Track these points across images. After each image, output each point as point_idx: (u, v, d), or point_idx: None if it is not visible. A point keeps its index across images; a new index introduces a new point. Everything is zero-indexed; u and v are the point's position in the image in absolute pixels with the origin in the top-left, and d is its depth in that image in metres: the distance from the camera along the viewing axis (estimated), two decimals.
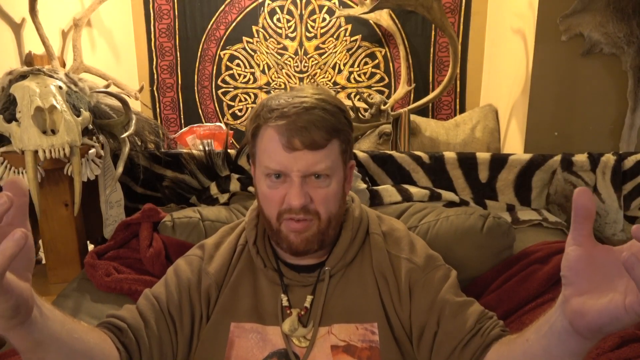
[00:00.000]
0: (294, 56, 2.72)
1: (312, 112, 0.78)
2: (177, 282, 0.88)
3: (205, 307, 0.88)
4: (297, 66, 2.73)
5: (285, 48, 2.71)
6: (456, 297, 0.82)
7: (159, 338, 0.82)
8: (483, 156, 1.41)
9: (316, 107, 0.79)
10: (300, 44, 2.70)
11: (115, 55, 2.47)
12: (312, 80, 2.73)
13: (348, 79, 2.74)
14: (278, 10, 2.65)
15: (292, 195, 0.79)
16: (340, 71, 2.73)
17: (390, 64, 2.71)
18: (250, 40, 2.70)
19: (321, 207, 0.81)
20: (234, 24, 2.68)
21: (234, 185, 1.36)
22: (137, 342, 0.80)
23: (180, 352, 0.85)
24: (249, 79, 2.76)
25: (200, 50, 2.72)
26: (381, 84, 2.74)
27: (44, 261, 1.33)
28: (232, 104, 2.80)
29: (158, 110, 2.80)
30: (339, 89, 2.75)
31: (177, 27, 2.69)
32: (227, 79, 2.77)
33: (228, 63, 2.74)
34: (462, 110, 2.68)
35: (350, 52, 2.70)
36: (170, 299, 0.86)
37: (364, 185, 1.32)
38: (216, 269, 0.90)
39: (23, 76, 1.13)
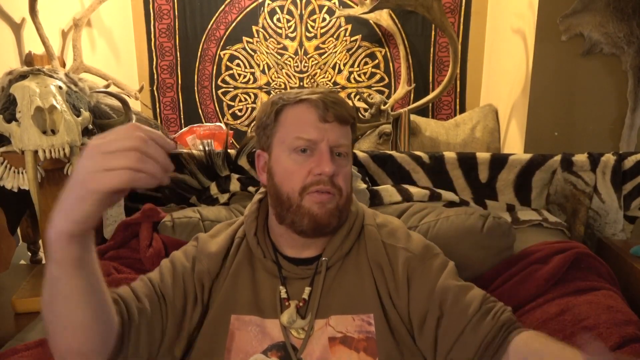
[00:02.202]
0: (294, 56, 2.72)
1: (336, 94, 0.88)
2: (172, 268, 0.89)
3: (200, 292, 0.88)
4: (297, 66, 2.73)
5: (285, 48, 2.71)
6: (457, 282, 0.84)
7: (149, 316, 0.82)
8: (483, 156, 1.41)
9: (333, 91, 0.89)
10: (300, 44, 2.70)
11: (115, 55, 2.47)
12: (312, 80, 2.73)
13: (348, 79, 2.74)
14: (278, 10, 2.65)
15: (324, 162, 0.82)
16: (340, 71, 2.73)
17: (390, 64, 2.71)
18: (250, 40, 2.70)
19: (342, 184, 0.85)
20: (234, 24, 2.68)
21: (234, 185, 1.36)
22: (129, 316, 0.80)
23: (169, 333, 0.84)
24: (249, 79, 2.76)
25: (200, 50, 2.72)
26: (381, 84, 2.74)
27: (44, 261, 1.33)
28: (232, 104, 2.80)
29: (158, 110, 2.80)
30: (339, 89, 2.74)
31: (177, 27, 2.69)
32: (227, 79, 2.77)
33: (228, 63, 2.74)
34: (462, 110, 2.68)
35: (350, 52, 2.70)
36: (163, 281, 0.87)
37: (364, 185, 1.32)
38: (209, 257, 0.90)
39: (23, 76, 1.13)
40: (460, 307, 0.79)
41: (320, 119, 0.84)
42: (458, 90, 2.69)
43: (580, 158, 1.38)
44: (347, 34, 2.68)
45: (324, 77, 2.74)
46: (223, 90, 2.78)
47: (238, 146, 1.43)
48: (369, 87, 2.74)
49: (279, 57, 2.72)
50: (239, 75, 2.76)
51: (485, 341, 0.76)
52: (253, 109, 2.80)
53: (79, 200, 0.58)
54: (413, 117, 2.26)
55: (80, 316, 0.68)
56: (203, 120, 2.81)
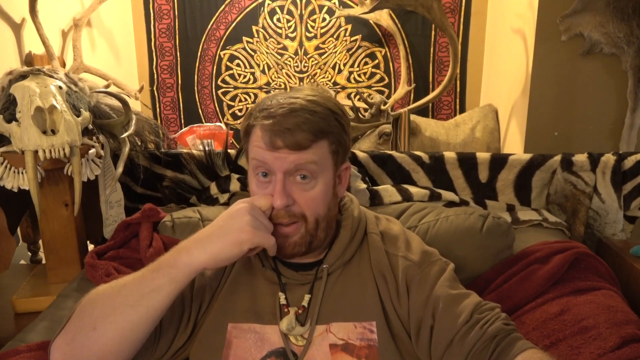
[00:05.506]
0: (294, 56, 2.72)
1: (297, 114, 0.79)
2: None
3: (197, 308, 0.88)
4: (297, 66, 2.73)
5: (285, 48, 2.71)
6: (451, 290, 0.83)
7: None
8: (483, 156, 1.40)
9: (304, 108, 0.80)
10: (300, 44, 2.70)
11: (115, 55, 2.47)
12: (312, 81, 2.73)
13: (348, 79, 2.74)
14: (278, 10, 2.65)
15: (275, 195, 0.80)
16: (340, 71, 2.73)
17: (390, 64, 2.71)
18: (250, 40, 2.70)
19: (306, 209, 0.82)
20: (234, 24, 2.68)
21: (234, 185, 1.36)
22: None
23: (159, 352, 0.85)
24: (249, 79, 2.76)
25: (200, 50, 2.72)
26: (381, 84, 2.74)
27: (44, 261, 1.33)
28: (232, 104, 2.80)
29: (158, 110, 2.80)
30: (339, 89, 2.74)
31: (177, 27, 2.69)
32: (227, 79, 2.77)
33: (228, 63, 2.74)
34: (462, 110, 2.68)
35: (350, 52, 2.70)
36: None
37: (364, 185, 1.32)
38: (212, 272, 0.91)
39: (23, 76, 1.13)
40: (450, 317, 0.79)
41: (268, 147, 0.79)
42: (458, 90, 2.69)
43: (580, 158, 1.38)
44: (347, 34, 2.68)
45: (324, 77, 2.74)
46: (223, 90, 2.78)
47: (238, 146, 1.43)
48: (369, 87, 2.74)
49: (279, 57, 2.72)
50: (239, 75, 2.76)
51: (472, 352, 0.75)
52: None
53: (231, 245, 0.76)
54: (413, 117, 2.26)
55: (134, 330, 0.76)
56: (203, 120, 2.81)
